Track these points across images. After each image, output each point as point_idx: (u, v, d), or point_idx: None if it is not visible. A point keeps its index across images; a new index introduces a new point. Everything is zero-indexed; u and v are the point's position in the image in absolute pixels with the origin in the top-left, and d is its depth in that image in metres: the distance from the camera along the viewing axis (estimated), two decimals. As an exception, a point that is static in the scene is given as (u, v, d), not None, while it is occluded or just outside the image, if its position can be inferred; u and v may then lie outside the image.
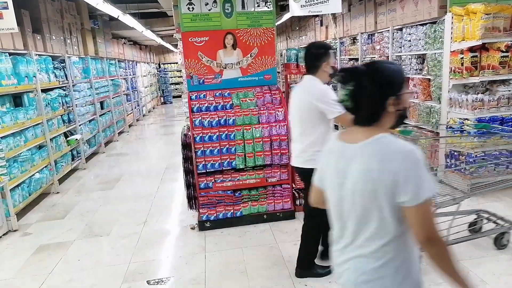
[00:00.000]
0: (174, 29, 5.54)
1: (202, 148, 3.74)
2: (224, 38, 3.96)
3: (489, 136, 3.91)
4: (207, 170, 3.79)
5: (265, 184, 3.90)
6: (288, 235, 3.57)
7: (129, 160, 7.17)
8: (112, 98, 9.20)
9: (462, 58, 3.99)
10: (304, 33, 10.08)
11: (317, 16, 8.91)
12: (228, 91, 3.98)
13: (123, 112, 10.18)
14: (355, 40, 7.01)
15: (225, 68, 4.01)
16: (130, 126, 10.90)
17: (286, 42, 12.15)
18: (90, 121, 7.37)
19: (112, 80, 9.39)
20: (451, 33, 4.13)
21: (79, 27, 7.34)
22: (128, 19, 7.57)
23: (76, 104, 6.57)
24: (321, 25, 8.70)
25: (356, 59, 6.92)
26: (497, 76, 3.89)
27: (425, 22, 4.74)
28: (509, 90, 3.94)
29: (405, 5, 5.10)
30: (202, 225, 3.82)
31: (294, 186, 4.11)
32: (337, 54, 7.70)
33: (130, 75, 11.79)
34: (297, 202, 4.11)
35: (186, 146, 3.90)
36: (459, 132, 4.11)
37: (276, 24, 10.94)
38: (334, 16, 7.85)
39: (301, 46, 9.66)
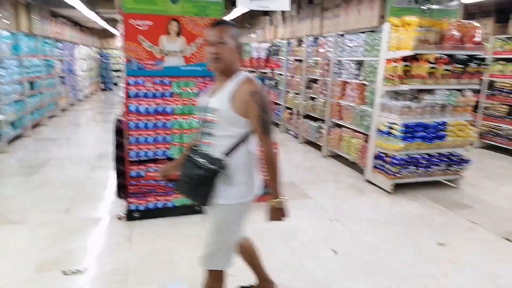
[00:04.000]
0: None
1: (136, 135, 3.60)
2: (168, 24, 3.83)
3: (413, 140, 4.23)
4: (140, 159, 3.65)
5: (201, 175, 3.84)
6: (220, 227, 3.55)
7: (59, 145, 6.70)
8: (45, 79, 8.53)
9: (395, 66, 4.25)
10: (254, 30, 10.15)
11: (267, 14, 9.02)
12: (169, 79, 3.86)
13: (56, 95, 9.49)
14: (301, 42, 7.20)
15: (167, 55, 3.88)
16: (63, 110, 10.20)
17: (236, 38, 12.14)
18: (16, 101, 6.76)
19: (46, 60, 8.71)
20: (388, 42, 4.38)
21: (13, 0, 6.70)
22: (67, -4, 7.05)
23: (1, 82, 5.98)
24: (271, 24, 8.81)
25: (301, 61, 7.11)
26: (425, 86, 4.20)
27: (366, 30, 4.99)
28: (434, 99, 4.27)
29: (349, 12, 5.33)
30: (131, 215, 3.67)
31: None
32: (284, 54, 7.85)
33: (67, 57, 11.02)
34: (232, 195, 4.11)
35: (118, 132, 3.72)
36: (386, 135, 4.38)
37: (227, 18, 10.94)
38: (283, 16, 7.99)
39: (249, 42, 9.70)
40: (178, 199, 3.80)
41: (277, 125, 8.33)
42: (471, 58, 4.23)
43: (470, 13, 7.03)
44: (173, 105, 3.71)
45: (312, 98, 6.77)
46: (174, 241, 3.27)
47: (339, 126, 5.79)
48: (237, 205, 1.89)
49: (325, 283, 2.70)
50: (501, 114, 6.40)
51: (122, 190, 3.81)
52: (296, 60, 7.47)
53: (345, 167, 5.53)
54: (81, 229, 3.46)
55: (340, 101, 5.66)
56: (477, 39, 4.21)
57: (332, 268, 2.88)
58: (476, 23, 4.30)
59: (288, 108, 7.97)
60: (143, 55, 3.81)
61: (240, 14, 9.95)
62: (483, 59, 4.36)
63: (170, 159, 3.74)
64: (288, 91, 7.90)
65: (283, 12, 7.84)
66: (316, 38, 6.54)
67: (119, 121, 3.77)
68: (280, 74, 8.19)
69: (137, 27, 3.73)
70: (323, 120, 6.26)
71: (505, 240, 3.35)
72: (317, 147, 6.53)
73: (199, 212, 3.82)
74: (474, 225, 3.65)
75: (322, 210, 3.98)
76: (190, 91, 3.84)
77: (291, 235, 3.41)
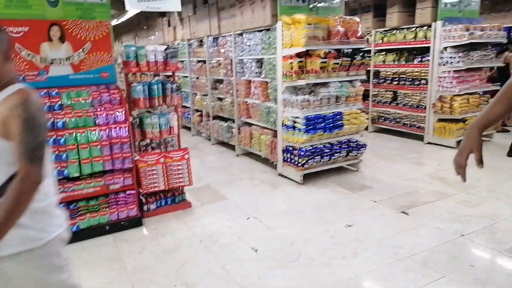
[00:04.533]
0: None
1: (24, 156, 3.17)
2: (48, 30, 3.46)
3: (315, 132, 4.49)
4: (32, 182, 3.24)
5: (107, 192, 3.57)
6: (133, 244, 3.34)
7: None
8: None
9: (291, 63, 4.44)
10: (153, 32, 9.78)
11: (164, 15, 8.75)
12: (57, 90, 3.49)
13: None
14: (202, 43, 7.14)
15: (51, 63, 3.51)
16: None
17: (135, 41, 11.58)
18: None
19: None
20: (282, 39, 4.56)
21: None
22: None
23: None
24: (169, 25, 8.58)
25: (204, 62, 7.05)
26: (319, 80, 4.47)
27: (261, 29, 5.13)
28: (328, 92, 4.58)
29: (244, 12, 5.43)
30: (28, 247, 3.24)
31: (140, 191, 3.89)
32: (186, 55, 7.71)
33: None
34: (145, 208, 3.90)
35: (1, 155, 3.24)
36: (292, 129, 4.58)
37: (121, 21, 10.35)
38: (180, 17, 7.83)
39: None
40: (84, 221, 3.48)
41: (188, 128, 8.17)
42: (357, 51, 4.63)
43: (352, 9, 7.72)
44: (64, 118, 3.37)
45: (220, 99, 6.77)
46: (82, 268, 2.97)
47: (249, 124, 5.89)
48: (34, 250, 1.45)
49: (247, 283, 2.71)
50: (387, 99, 7.17)
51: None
52: (199, 61, 7.39)
53: (258, 163, 5.65)
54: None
55: (246, 100, 5.76)
56: (359, 33, 4.62)
57: (252, 267, 2.91)
58: (357, 19, 4.71)
59: (197, 110, 7.86)
60: (22, 66, 3.40)
61: (134, 15, 9.52)
62: (367, 51, 4.81)
63: (68, 178, 3.40)
64: (195, 93, 7.79)
65: (180, 13, 7.68)
66: (216, 38, 6.53)
67: None
68: (185, 76, 8.04)
69: (12, 34, 3.30)
70: (233, 120, 6.31)
71: (402, 214, 3.74)
72: (230, 146, 6.56)
73: (109, 231, 3.55)
74: (375, 203, 4.02)
75: (239, 209, 4.00)
76: (83, 101, 3.53)
77: (210, 239, 3.35)
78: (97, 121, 3.50)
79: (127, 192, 3.67)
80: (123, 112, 3.61)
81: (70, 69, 3.60)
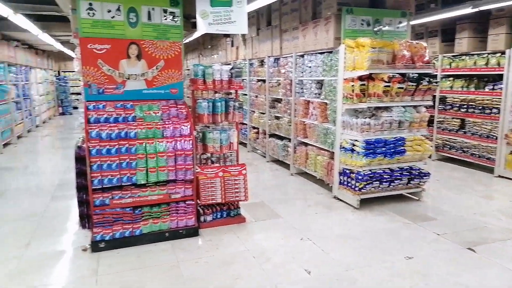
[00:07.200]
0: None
1: (99, 162, 3.48)
2: (127, 48, 3.81)
3: (375, 156, 4.38)
4: (104, 186, 3.53)
5: (168, 200, 3.76)
6: (190, 253, 3.46)
7: (15, 175, 6.31)
8: (-3, 105, 8.10)
9: (353, 85, 4.42)
10: (216, 52, 10.24)
11: (228, 36, 9.14)
12: (131, 103, 3.80)
13: (10, 122, 9.01)
14: (263, 63, 7.34)
15: (128, 78, 3.84)
16: (19, 137, 9.67)
17: (199, 59, 12.19)
18: (-35, 130, 6.35)
19: (-2, 85, 8.29)
20: (344, 62, 4.57)
21: (-43, 22, 6.37)
22: (20, 20, 6.81)
23: None
24: (232, 45, 8.94)
25: (264, 81, 7.23)
26: (381, 103, 4.38)
27: (323, 51, 5.18)
28: (391, 116, 4.47)
29: (306, 34, 5.52)
30: (96, 246, 3.50)
31: (198, 202, 4.04)
32: (247, 74, 7.97)
33: (22, 81, 10.55)
34: (202, 219, 4.04)
35: (79, 159, 3.58)
36: (350, 152, 4.51)
37: (188, 40, 10.96)
38: (243, 37, 8.14)
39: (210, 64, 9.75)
40: (147, 226, 3.68)
41: (244, 144, 8.36)
42: (423, 76, 4.48)
43: (418, 33, 7.51)
44: (136, 129, 3.64)
45: (277, 117, 6.88)
46: (143, 271, 3.14)
47: (305, 144, 5.90)
48: None
49: (299, 304, 2.68)
50: (454, 127, 6.79)
51: (86, 220, 3.66)
52: (259, 80, 7.59)
53: (313, 184, 5.61)
54: (44, 264, 3.25)
55: (304, 120, 5.79)
56: (426, 58, 4.48)
57: (305, 288, 2.88)
58: (423, 43, 4.59)
59: (254, 127, 8.04)
60: (103, 79, 3.74)
61: (200, 36, 10.05)
62: (434, 76, 4.64)
63: (135, 185, 3.64)
64: (253, 111, 7.99)
65: (243, 34, 7.99)
66: (277, 59, 6.69)
67: (79, 147, 3.64)
68: (244, 94, 8.29)
69: (96, 51, 3.68)
70: (289, 139, 6.36)
71: (468, 250, 3.49)
72: (285, 165, 6.60)
73: (168, 238, 3.72)
74: (438, 236, 3.79)
75: (293, 229, 3.99)
76: (154, 114, 3.79)
77: (263, 257, 3.38)
78: (164, 134, 3.73)
79: (187, 202, 3.84)
80: (189, 126, 3.81)
81: (144, 84, 3.90)
